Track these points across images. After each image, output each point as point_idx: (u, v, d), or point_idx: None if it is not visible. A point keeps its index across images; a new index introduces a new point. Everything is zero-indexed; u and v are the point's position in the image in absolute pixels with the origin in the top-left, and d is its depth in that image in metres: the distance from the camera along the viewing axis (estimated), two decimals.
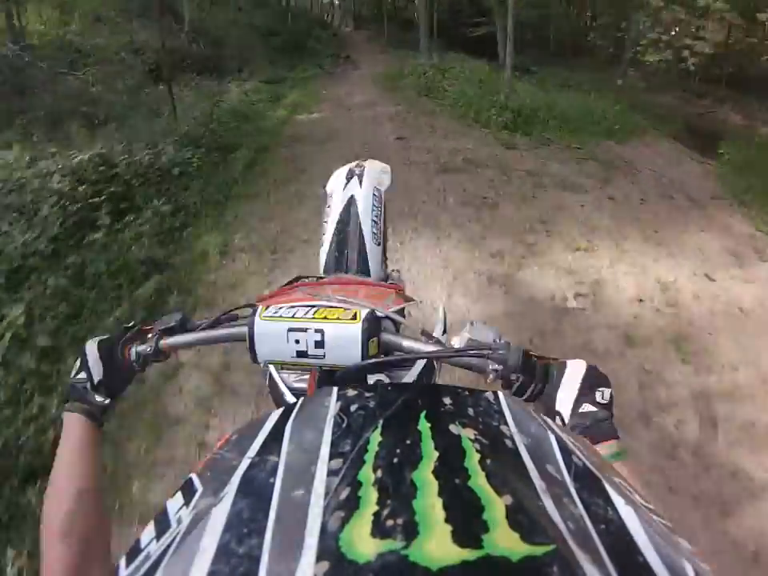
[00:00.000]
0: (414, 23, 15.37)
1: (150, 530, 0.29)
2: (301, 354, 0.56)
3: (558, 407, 0.46)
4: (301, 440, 0.31)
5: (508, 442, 0.30)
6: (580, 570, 0.20)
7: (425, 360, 0.69)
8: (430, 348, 0.58)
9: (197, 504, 0.28)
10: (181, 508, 0.29)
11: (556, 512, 0.24)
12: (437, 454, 0.27)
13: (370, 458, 0.27)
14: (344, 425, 0.31)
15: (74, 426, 0.58)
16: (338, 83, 9.83)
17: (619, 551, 0.23)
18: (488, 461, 0.27)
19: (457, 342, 0.55)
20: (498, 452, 0.28)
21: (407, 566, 0.20)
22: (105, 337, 0.65)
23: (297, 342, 0.55)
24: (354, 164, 0.94)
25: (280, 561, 0.21)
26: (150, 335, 0.65)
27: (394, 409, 0.32)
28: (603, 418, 0.45)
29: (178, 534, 0.26)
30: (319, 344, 0.54)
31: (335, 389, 0.36)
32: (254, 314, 0.58)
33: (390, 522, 0.22)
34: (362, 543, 0.21)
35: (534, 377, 0.49)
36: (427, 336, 0.63)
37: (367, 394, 0.35)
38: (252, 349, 0.58)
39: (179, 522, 0.28)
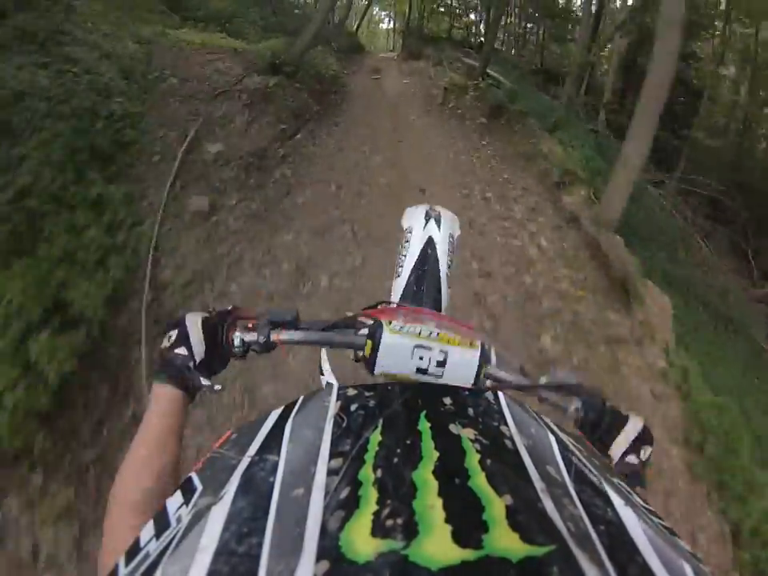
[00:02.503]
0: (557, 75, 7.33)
1: (149, 528, 0.29)
2: (421, 371, 0.59)
3: (610, 451, 0.54)
4: (301, 439, 0.31)
5: (508, 443, 0.30)
6: (580, 570, 0.20)
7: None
8: (527, 382, 0.64)
9: (196, 503, 0.28)
10: (180, 507, 0.29)
11: (556, 512, 0.24)
12: (437, 453, 0.27)
13: (370, 457, 0.27)
14: (344, 424, 0.31)
15: (167, 400, 0.54)
16: None
17: (619, 551, 0.23)
18: (488, 461, 0.26)
19: (545, 380, 0.62)
20: (497, 452, 0.28)
21: (407, 565, 0.20)
22: (206, 314, 0.63)
23: (420, 358, 0.59)
24: (428, 206, 1.01)
25: (280, 560, 0.21)
26: (256, 323, 0.63)
27: (394, 408, 0.32)
28: (637, 471, 0.53)
29: (177, 533, 0.26)
30: (441, 364, 0.59)
31: (335, 387, 0.36)
32: (380, 326, 0.60)
33: (389, 522, 0.22)
34: (362, 543, 0.21)
35: (602, 421, 0.57)
36: (523, 372, 0.68)
37: (367, 394, 0.35)
38: (373, 359, 0.60)
39: (179, 521, 0.28)
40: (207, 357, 0.59)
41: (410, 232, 0.97)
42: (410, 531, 0.21)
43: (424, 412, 0.31)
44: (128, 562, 0.26)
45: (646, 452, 0.54)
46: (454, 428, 0.30)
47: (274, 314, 0.65)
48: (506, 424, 0.32)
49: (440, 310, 0.90)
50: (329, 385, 0.40)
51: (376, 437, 0.29)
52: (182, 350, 0.58)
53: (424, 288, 0.89)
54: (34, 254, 2.01)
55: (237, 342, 0.61)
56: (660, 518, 0.29)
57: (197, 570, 0.22)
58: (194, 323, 0.60)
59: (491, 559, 0.20)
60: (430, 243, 0.93)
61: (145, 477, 0.49)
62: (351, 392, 0.35)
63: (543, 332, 2.50)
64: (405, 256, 0.93)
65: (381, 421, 0.30)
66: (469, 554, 0.20)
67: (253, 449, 0.31)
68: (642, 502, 0.30)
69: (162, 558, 0.24)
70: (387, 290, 0.95)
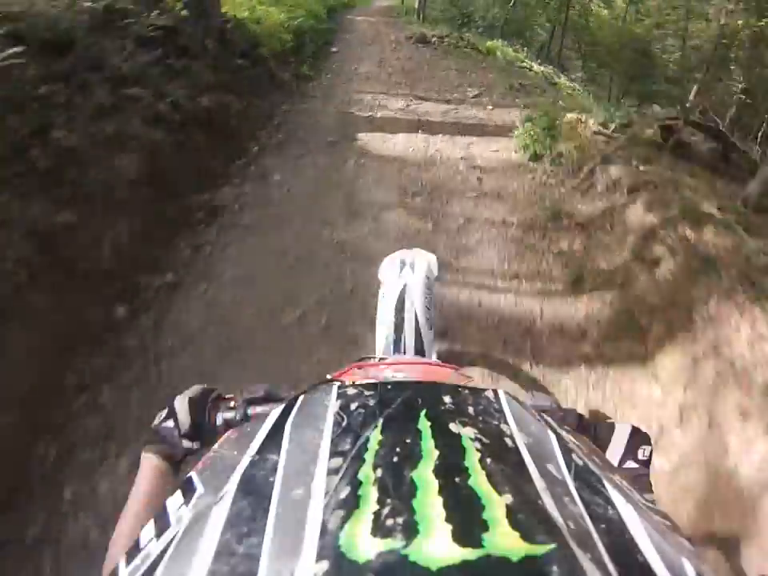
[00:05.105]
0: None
1: (149, 528, 0.29)
2: None
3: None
4: (301, 438, 0.31)
5: (508, 441, 0.30)
6: (580, 569, 0.20)
7: None
8: None
9: (196, 503, 0.28)
10: (180, 507, 0.29)
11: (556, 511, 0.24)
12: (437, 452, 0.27)
13: (369, 456, 0.27)
14: (344, 423, 0.31)
15: (151, 468, 0.59)
16: None
17: (619, 550, 0.23)
18: (488, 460, 0.26)
19: None
20: (498, 451, 0.28)
21: (407, 565, 0.20)
22: (193, 395, 0.68)
23: None
24: (403, 253, 1.00)
25: (279, 560, 0.21)
26: (235, 403, 0.68)
27: (394, 407, 0.32)
28: (642, 474, 0.51)
29: (177, 533, 0.26)
30: None
31: (335, 387, 0.36)
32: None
33: (389, 521, 0.22)
34: (362, 542, 0.21)
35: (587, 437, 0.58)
36: None
37: (367, 393, 0.35)
38: None
39: (179, 520, 0.28)
40: (192, 428, 0.64)
41: (385, 283, 0.96)
42: (410, 530, 0.21)
43: (424, 411, 0.31)
44: (128, 562, 0.26)
45: (645, 451, 0.52)
46: (454, 427, 0.30)
47: (248, 391, 0.69)
48: (506, 422, 0.32)
49: (424, 354, 0.88)
50: (328, 384, 0.40)
51: (376, 436, 0.29)
52: (168, 423, 0.64)
53: (404, 336, 0.87)
54: None
55: (219, 421, 0.66)
56: (661, 516, 0.29)
57: (197, 571, 0.22)
58: (180, 401, 0.66)
59: (491, 558, 0.20)
60: (405, 290, 0.92)
61: (137, 528, 0.51)
62: (351, 391, 0.35)
63: None
64: (382, 308, 0.92)
65: (381, 420, 0.30)
66: (469, 554, 0.20)
67: (253, 448, 0.31)
68: (642, 500, 0.30)
69: (163, 559, 0.24)
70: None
